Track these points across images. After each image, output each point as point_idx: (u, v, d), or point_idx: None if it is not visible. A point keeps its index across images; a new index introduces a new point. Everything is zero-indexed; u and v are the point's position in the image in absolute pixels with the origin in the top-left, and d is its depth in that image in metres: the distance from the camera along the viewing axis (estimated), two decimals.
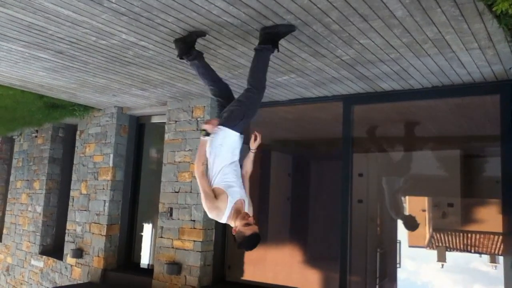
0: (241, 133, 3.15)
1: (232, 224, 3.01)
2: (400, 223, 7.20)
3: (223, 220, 3.01)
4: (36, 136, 8.71)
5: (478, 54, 3.59)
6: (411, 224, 7.19)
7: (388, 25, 3.15)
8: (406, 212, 7.15)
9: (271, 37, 3.25)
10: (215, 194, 2.97)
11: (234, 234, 2.97)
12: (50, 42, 3.88)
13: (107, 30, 3.52)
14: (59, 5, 3.06)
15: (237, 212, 2.98)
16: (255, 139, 3.36)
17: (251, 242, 2.91)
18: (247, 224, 2.89)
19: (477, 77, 4.21)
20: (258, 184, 7.54)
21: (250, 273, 6.60)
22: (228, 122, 3.08)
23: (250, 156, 3.37)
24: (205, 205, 2.99)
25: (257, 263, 7.01)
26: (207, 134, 3.01)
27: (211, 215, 3.03)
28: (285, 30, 3.25)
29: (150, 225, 7.34)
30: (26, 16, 3.29)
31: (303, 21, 3.15)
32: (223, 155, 3.05)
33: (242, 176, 3.22)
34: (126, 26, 3.42)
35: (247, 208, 3.08)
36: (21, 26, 3.52)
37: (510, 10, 2.57)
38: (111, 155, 6.80)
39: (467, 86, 4.43)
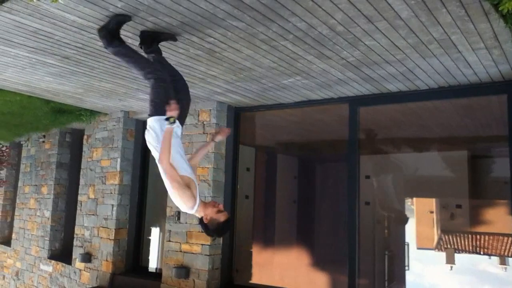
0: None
1: (201, 213, 3.02)
2: (410, 226, 7.18)
3: (194, 209, 2.96)
4: (43, 141, 8.76)
5: (485, 54, 3.57)
6: (402, 217, 7.18)
7: (394, 26, 3.14)
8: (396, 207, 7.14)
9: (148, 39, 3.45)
10: (185, 183, 2.91)
11: (206, 222, 3.01)
12: (56, 48, 3.91)
13: None
14: (66, 10, 3.09)
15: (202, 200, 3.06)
16: (222, 134, 3.65)
17: (225, 228, 3.11)
18: (219, 211, 3.01)
19: (484, 77, 4.19)
20: (264, 187, 7.54)
21: (258, 277, 6.60)
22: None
23: (210, 145, 3.74)
24: (177, 196, 2.91)
25: (265, 266, 7.00)
26: (174, 121, 2.94)
27: (184, 206, 2.96)
28: (166, 38, 3.47)
29: (158, 229, 7.36)
30: (33, 22, 3.32)
31: (308, 23, 3.15)
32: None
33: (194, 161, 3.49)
34: (131, 30, 3.44)
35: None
36: (27, 32, 3.55)
37: None
38: (118, 160, 6.82)
39: (474, 86, 4.41)
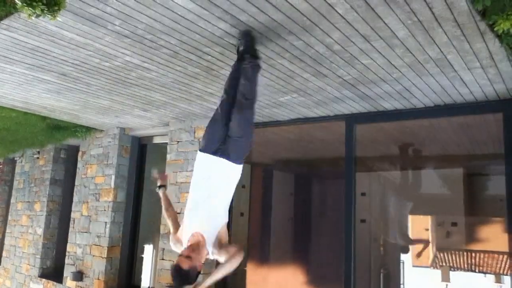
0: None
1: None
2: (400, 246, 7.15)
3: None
4: (37, 157, 8.70)
5: (480, 73, 3.61)
6: (406, 248, 7.15)
7: (390, 45, 3.17)
8: (410, 237, 7.10)
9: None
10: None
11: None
12: (53, 65, 3.91)
13: (110, 52, 3.55)
14: (63, 28, 3.09)
15: None
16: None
17: (171, 275, 2.71)
18: (179, 255, 2.77)
19: (480, 96, 4.22)
20: (260, 204, 7.50)
21: None
22: None
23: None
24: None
25: (260, 285, 6.92)
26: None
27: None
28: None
29: (151, 246, 7.28)
30: (30, 39, 3.32)
31: (305, 42, 3.17)
32: None
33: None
34: (129, 48, 3.45)
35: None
36: (25, 49, 3.55)
37: (511, 29, 2.59)
38: (113, 176, 6.77)
39: (470, 105, 4.43)
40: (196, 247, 2.74)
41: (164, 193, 3.44)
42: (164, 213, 3.35)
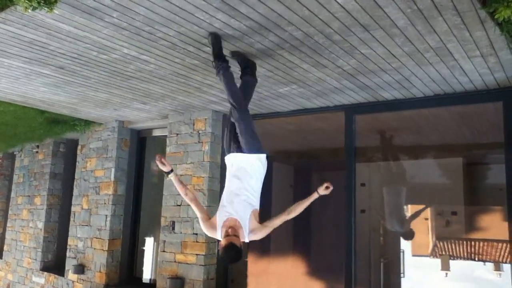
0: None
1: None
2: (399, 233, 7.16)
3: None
4: (37, 152, 8.69)
5: (480, 62, 3.59)
6: (410, 233, 7.15)
7: (390, 34, 3.15)
8: (407, 223, 7.11)
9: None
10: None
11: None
12: (51, 58, 3.88)
13: (108, 44, 3.52)
14: (61, 21, 3.07)
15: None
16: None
17: (225, 253, 2.92)
18: (225, 236, 2.96)
19: (479, 85, 4.21)
20: (260, 196, 7.50)
21: (253, 286, 6.54)
22: None
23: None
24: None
25: (261, 276, 6.95)
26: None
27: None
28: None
29: (152, 239, 7.29)
30: (28, 32, 3.30)
31: (304, 32, 3.15)
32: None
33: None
34: (127, 40, 3.42)
35: (247, 225, 3.08)
36: (22, 43, 3.52)
37: None
38: (113, 169, 6.77)
39: (470, 94, 4.43)
40: (237, 228, 3.01)
41: (176, 178, 3.34)
42: (184, 198, 3.36)
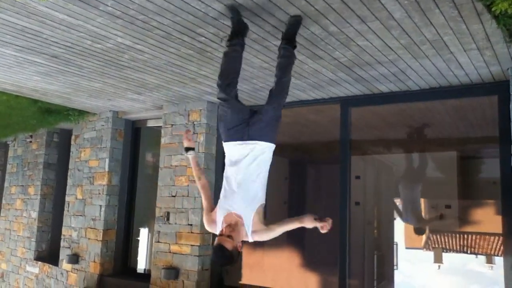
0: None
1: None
2: (399, 226, 7.19)
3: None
4: (30, 142, 8.63)
5: (476, 55, 3.59)
6: (422, 228, 7.19)
7: (386, 26, 3.13)
8: (422, 218, 7.13)
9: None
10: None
11: None
12: (44, 46, 3.84)
13: (102, 33, 3.49)
14: (54, 8, 3.03)
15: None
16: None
17: (213, 255, 2.68)
18: (218, 235, 2.69)
19: (475, 78, 4.20)
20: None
21: (248, 277, 6.56)
22: None
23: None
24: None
25: (255, 267, 6.97)
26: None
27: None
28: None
29: (147, 229, 7.29)
30: (20, 20, 3.25)
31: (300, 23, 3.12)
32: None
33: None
34: (121, 29, 3.38)
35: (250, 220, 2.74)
36: (15, 30, 3.48)
37: (509, 10, 2.56)
38: (107, 160, 6.74)
39: (465, 87, 4.43)
40: (235, 226, 2.68)
41: (194, 158, 3.09)
42: (197, 182, 3.08)
